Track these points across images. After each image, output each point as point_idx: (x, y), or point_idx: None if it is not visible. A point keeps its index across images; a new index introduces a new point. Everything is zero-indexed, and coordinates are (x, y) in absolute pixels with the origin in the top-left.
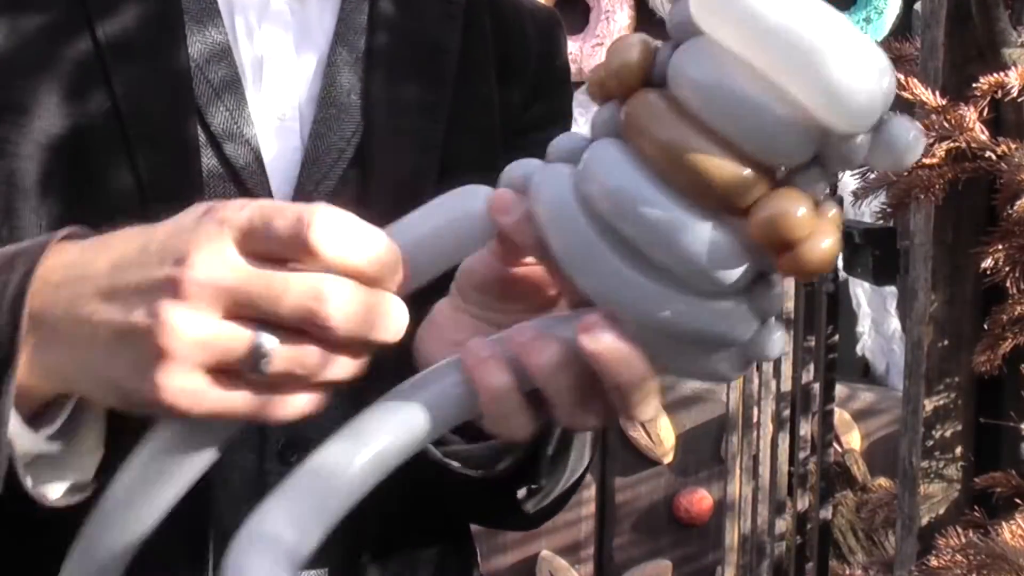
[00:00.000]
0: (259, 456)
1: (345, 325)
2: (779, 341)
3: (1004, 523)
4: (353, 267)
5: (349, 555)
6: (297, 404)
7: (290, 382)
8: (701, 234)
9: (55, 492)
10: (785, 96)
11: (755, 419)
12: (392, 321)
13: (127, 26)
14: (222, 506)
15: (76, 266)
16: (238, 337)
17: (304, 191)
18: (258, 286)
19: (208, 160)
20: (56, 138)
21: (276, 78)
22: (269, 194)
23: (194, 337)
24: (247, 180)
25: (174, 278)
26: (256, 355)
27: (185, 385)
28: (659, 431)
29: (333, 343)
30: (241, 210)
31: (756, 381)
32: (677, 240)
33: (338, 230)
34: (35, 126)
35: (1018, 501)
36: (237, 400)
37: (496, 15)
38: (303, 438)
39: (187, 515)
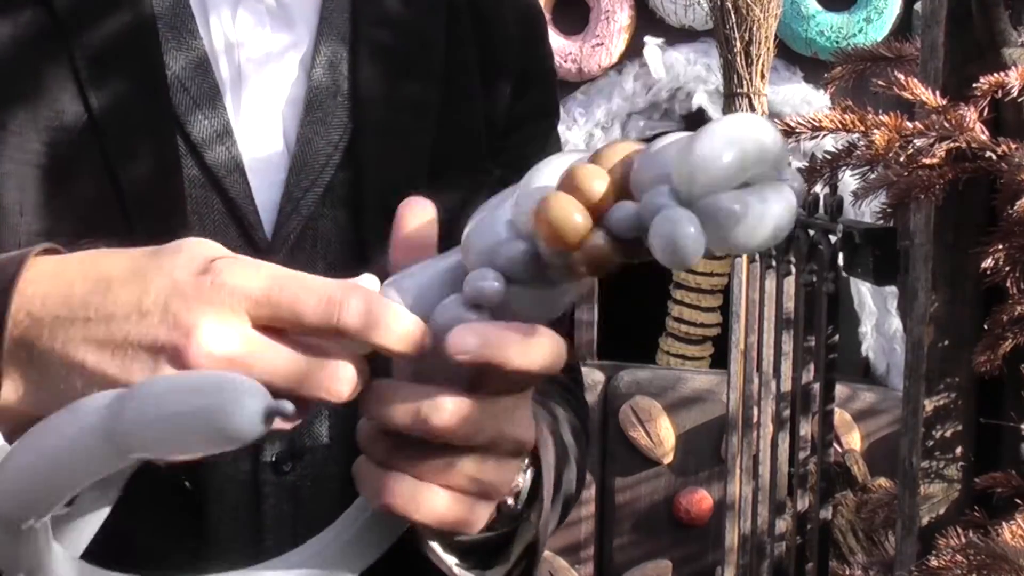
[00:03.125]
0: (253, 467)
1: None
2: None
3: (1004, 523)
4: (381, 346)
5: None
6: None
7: None
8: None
9: None
10: None
11: (755, 419)
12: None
13: (102, 38)
14: (217, 518)
15: (60, 298)
16: None
17: (292, 197)
18: (264, 359)
19: (189, 170)
20: (33, 153)
21: (257, 82)
22: (252, 201)
23: None
24: (229, 188)
25: (178, 346)
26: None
27: None
28: (659, 431)
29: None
30: (251, 278)
31: (756, 381)
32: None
33: (369, 312)
34: (11, 142)
35: (1018, 501)
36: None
37: (475, 5)
38: (298, 448)
39: (182, 527)
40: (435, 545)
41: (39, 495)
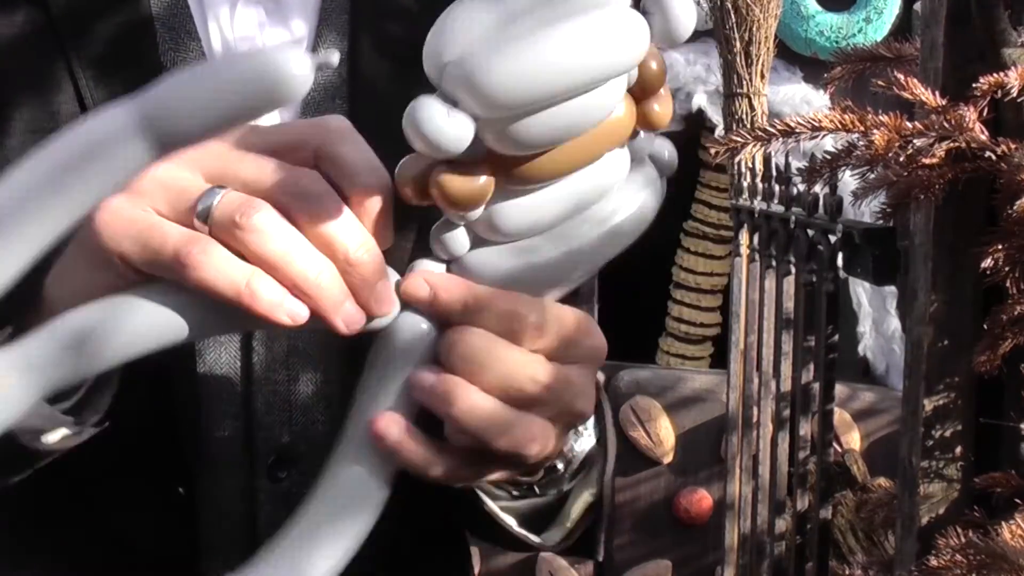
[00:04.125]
0: (248, 474)
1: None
2: None
3: (1004, 523)
4: None
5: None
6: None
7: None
8: None
9: (54, 436)
10: None
11: (755, 419)
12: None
13: (98, 39)
14: (212, 526)
15: None
16: (195, 183)
17: None
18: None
19: None
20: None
21: None
22: None
23: (155, 175)
24: None
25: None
26: (206, 198)
27: (135, 216)
28: (659, 431)
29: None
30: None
31: (756, 381)
32: None
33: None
34: (5, 144)
35: (1018, 501)
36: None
37: None
38: (294, 454)
39: (176, 534)
40: (492, 505)
41: (43, 211)
